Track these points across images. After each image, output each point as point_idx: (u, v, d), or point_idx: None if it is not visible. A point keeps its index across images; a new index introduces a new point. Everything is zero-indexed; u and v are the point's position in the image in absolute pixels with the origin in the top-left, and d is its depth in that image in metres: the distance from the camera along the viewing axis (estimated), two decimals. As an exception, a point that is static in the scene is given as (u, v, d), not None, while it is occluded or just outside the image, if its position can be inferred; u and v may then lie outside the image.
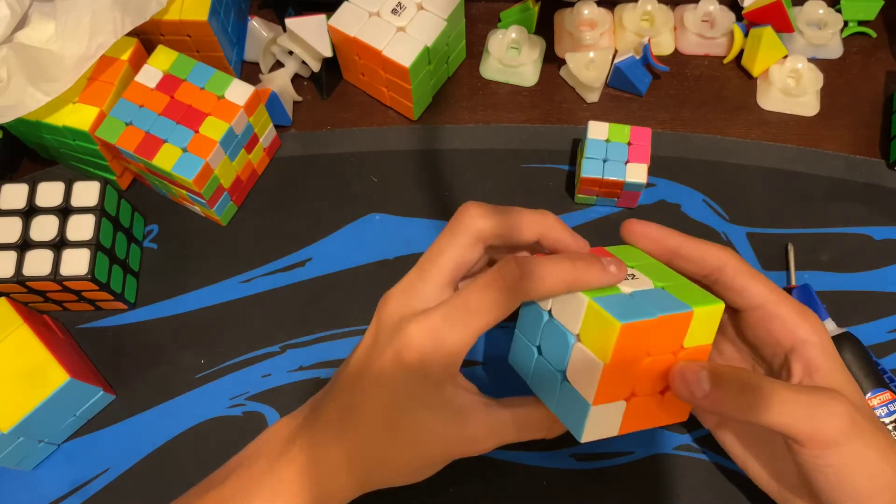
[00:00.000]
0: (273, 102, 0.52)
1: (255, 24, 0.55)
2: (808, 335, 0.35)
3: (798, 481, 0.36)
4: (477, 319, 0.33)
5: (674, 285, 0.35)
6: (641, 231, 0.37)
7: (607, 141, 0.48)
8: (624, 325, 0.31)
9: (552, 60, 0.56)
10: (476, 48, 0.57)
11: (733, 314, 0.38)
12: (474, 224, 0.35)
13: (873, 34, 0.56)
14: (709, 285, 0.37)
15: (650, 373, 0.33)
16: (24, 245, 0.45)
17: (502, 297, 0.33)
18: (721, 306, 0.34)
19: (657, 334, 0.33)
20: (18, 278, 0.44)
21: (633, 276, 0.35)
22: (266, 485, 0.34)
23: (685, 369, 0.33)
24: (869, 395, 0.42)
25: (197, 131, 0.46)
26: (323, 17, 0.51)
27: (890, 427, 0.41)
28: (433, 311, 0.33)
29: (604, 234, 0.50)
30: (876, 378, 0.42)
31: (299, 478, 0.34)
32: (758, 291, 0.36)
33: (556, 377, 0.35)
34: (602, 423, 0.34)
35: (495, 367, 0.47)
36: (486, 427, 0.35)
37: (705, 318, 0.33)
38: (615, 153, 0.48)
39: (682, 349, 0.34)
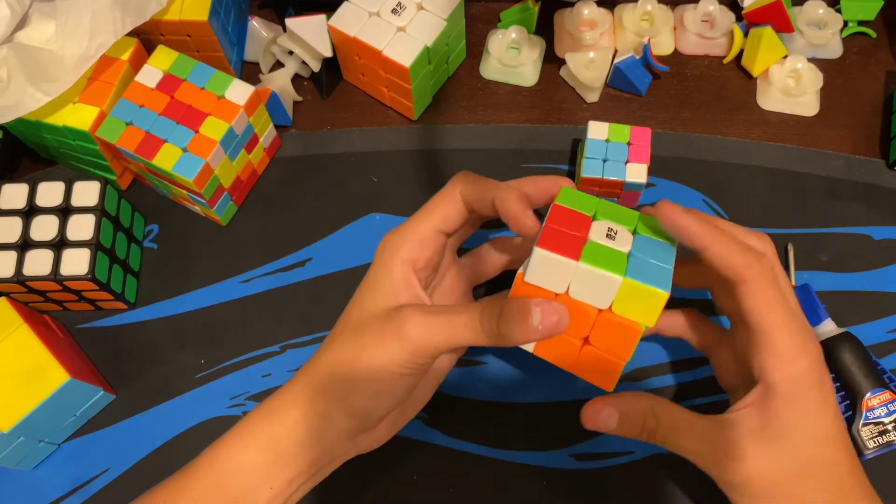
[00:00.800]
0: (273, 102, 0.52)
1: (255, 24, 0.55)
2: (777, 380, 0.34)
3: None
4: (442, 217, 0.38)
5: (639, 224, 0.36)
6: (674, 219, 0.35)
7: (607, 141, 0.48)
8: (669, 293, 0.33)
9: (552, 60, 0.56)
10: (476, 48, 0.57)
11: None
12: (456, 186, 0.39)
13: (873, 34, 0.56)
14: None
15: (569, 311, 0.35)
16: (25, 245, 0.45)
17: (479, 339, 0.35)
18: (665, 295, 0.33)
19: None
20: (18, 278, 0.44)
21: (612, 230, 0.35)
22: (253, 443, 0.35)
23: (596, 417, 0.37)
24: (868, 395, 0.42)
25: (197, 131, 0.46)
26: (323, 17, 0.51)
27: (890, 427, 0.41)
28: (438, 308, 0.36)
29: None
30: (876, 378, 0.42)
31: (287, 428, 0.35)
32: (759, 321, 0.35)
33: None
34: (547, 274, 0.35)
35: (494, 367, 0.47)
36: (420, 328, 0.35)
37: (641, 295, 0.33)
38: (615, 153, 0.47)
39: (610, 311, 0.35)
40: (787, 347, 0.34)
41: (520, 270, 0.36)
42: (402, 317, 0.35)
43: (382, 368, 0.35)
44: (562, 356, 0.37)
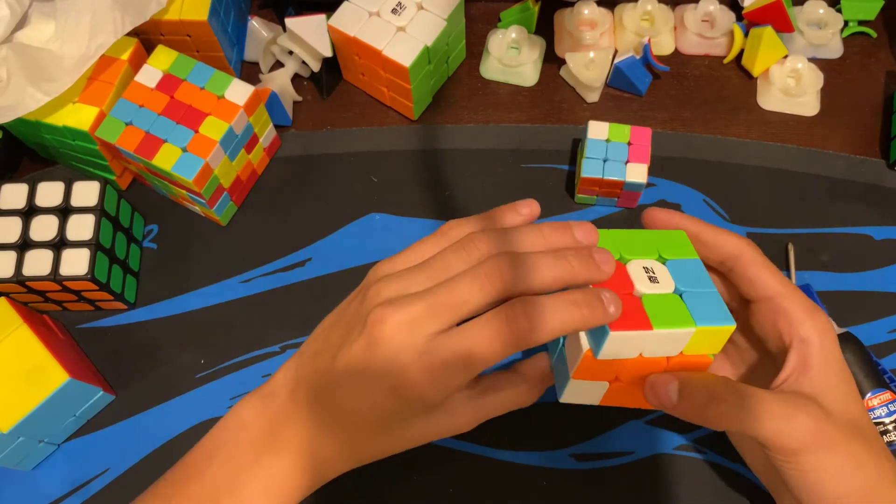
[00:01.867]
0: (273, 102, 0.52)
1: (255, 24, 0.55)
2: (809, 333, 0.35)
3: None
4: (479, 365, 0.33)
5: (660, 249, 0.36)
6: (663, 218, 0.38)
7: (607, 141, 0.48)
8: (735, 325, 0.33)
9: (552, 60, 0.56)
10: (476, 48, 0.57)
11: (745, 305, 0.38)
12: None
13: (873, 34, 0.56)
14: (724, 273, 0.38)
15: (640, 367, 0.34)
16: (24, 245, 0.45)
17: (506, 349, 0.32)
18: (732, 328, 0.33)
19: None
20: (18, 278, 0.44)
21: (648, 269, 0.35)
22: (256, 476, 0.34)
23: (655, 382, 0.34)
24: (869, 395, 0.42)
25: (197, 131, 0.46)
26: (323, 17, 0.51)
27: (890, 427, 0.41)
28: (414, 299, 0.32)
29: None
30: (876, 378, 0.42)
31: (290, 469, 0.34)
32: (768, 284, 0.36)
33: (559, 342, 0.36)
34: (582, 393, 0.36)
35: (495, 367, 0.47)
36: (468, 416, 0.36)
37: (710, 334, 0.33)
38: (615, 153, 0.47)
39: (680, 354, 0.34)
40: (805, 303, 0.36)
41: (585, 348, 0.33)
42: (451, 404, 0.35)
43: (413, 441, 0.35)
44: (630, 400, 0.36)
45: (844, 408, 0.35)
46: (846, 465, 0.34)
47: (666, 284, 0.34)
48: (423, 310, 0.32)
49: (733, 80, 0.55)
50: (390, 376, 0.32)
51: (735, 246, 0.37)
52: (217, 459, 0.35)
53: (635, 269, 0.34)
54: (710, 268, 0.38)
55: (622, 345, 0.33)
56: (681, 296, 0.34)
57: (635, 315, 0.33)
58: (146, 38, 0.51)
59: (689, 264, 0.35)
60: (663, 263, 0.35)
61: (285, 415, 0.35)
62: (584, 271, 0.33)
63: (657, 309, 0.33)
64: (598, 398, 0.36)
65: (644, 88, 0.54)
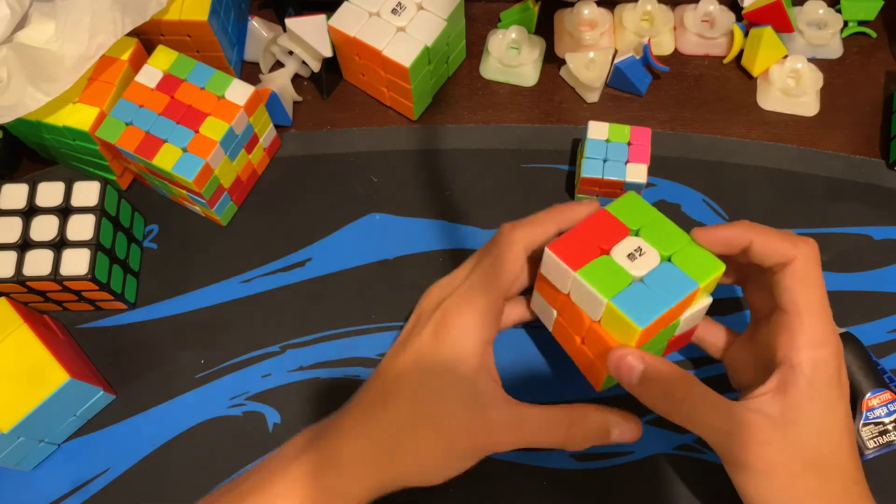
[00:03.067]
0: (273, 102, 0.52)
1: (255, 24, 0.55)
2: (801, 361, 0.34)
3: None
4: (492, 276, 0.37)
5: (679, 251, 0.36)
6: (710, 239, 0.36)
7: (607, 141, 0.48)
8: (643, 329, 0.34)
9: (552, 60, 0.56)
10: (476, 48, 0.57)
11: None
12: (516, 243, 0.38)
13: (873, 34, 0.56)
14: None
15: (570, 314, 0.37)
16: (24, 245, 0.45)
17: (504, 249, 0.37)
18: (721, 269, 0.36)
19: (669, 314, 0.35)
20: (18, 278, 0.44)
21: (640, 251, 0.36)
22: (285, 476, 0.35)
23: (625, 356, 0.35)
24: (868, 395, 0.42)
25: (197, 131, 0.46)
26: (323, 17, 0.51)
27: (890, 427, 0.41)
28: (461, 286, 0.37)
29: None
30: (876, 378, 0.42)
31: (317, 468, 0.35)
32: (792, 300, 0.35)
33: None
34: (542, 310, 0.40)
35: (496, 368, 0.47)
36: (506, 418, 0.36)
37: (620, 321, 0.35)
38: (615, 153, 0.48)
39: (599, 325, 0.36)
40: (817, 330, 0.34)
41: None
42: (494, 421, 0.36)
43: (453, 453, 0.36)
44: (567, 344, 0.40)
45: (814, 443, 0.34)
46: (788, 495, 0.34)
47: (637, 268, 0.35)
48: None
49: (733, 80, 0.55)
50: (430, 318, 0.37)
51: (785, 255, 0.35)
52: (253, 473, 0.36)
53: (631, 242, 0.36)
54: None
55: (555, 271, 0.36)
56: (634, 281, 0.35)
57: (578, 256, 0.35)
58: (146, 38, 0.51)
59: (681, 280, 0.35)
60: (663, 260, 0.35)
61: (331, 421, 0.37)
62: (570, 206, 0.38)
63: (599, 269, 0.35)
64: (551, 325, 0.40)
65: (644, 88, 0.54)
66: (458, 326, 0.36)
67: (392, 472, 0.36)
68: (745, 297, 0.41)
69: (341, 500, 0.35)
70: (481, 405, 0.36)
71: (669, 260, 0.36)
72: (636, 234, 0.36)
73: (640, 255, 0.35)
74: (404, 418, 0.35)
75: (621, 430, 0.37)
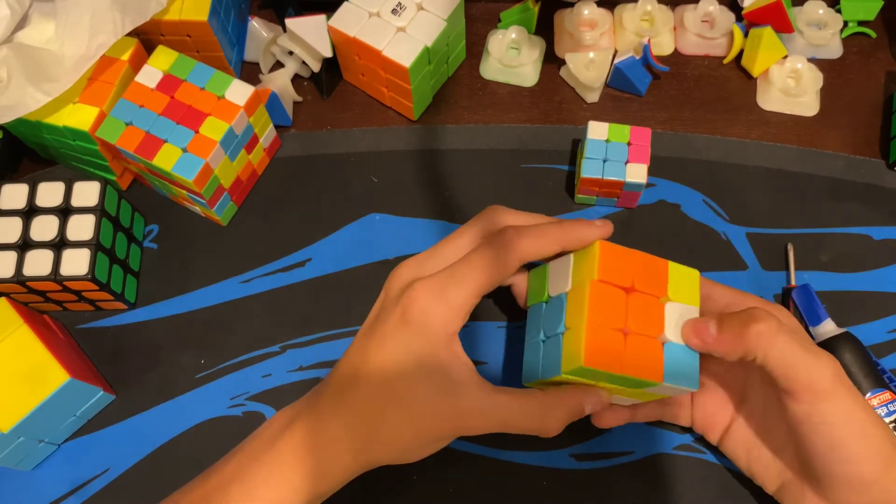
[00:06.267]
0: (273, 102, 0.52)
1: (255, 24, 0.55)
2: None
3: (799, 471, 0.37)
4: (478, 275, 0.36)
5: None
6: (701, 340, 0.36)
7: (607, 141, 0.48)
8: (603, 242, 0.36)
9: (552, 60, 0.56)
10: (476, 48, 0.57)
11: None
12: (514, 252, 0.37)
13: (873, 34, 0.56)
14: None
15: (640, 310, 0.36)
16: (25, 245, 0.45)
17: (501, 254, 0.36)
18: (697, 273, 0.38)
19: (638, 267, 0.36)
20: (18, 278, 0.44)
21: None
22: (264, 462, 0.35)
23: (695, 323, 0.36)
24: (869, 395, 0.42)
25: (197, 131, 0.46)
26: (323, 17, 0.51)
27: (890, 427, 0.41)
28: (438, 272, 0.37)
29: (604, 234, 0.50)
30: (876, 378, 0.42)
31: (296, 452, 0.35)
32: (834, 437, 0.35)
33: (559, 337, 0.37)
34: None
35: (496, 366, 0.47)
36: (478, 403, 0.36)
37: (683, 275, 0.37)
38: (615, 153, 0.48)
39: (669, 299, 0.37)
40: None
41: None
42: (465, 408, 0.36)
43: (425, 436, 0.36)
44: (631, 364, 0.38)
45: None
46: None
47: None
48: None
49: (733, 80, 0.55)
50: (398, 301, 0.36)
51: (807, 388, 0.34)
52: (237, 454, 0.37)
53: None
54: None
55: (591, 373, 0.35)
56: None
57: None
58: (146, 38, 0.51)
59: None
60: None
61: (305, 402, 0.37)
62: (575, 227, 0.37)
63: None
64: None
65: (644, 89, 0.54)
66: (427, 316, 0.36)
67: (368, 452, 0.36)
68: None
69: (324, 482, 0.36)
70: (451, 392, 0.36)
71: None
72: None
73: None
74: (377, 402, 0.36)
75: (593, 403, 0.38)
